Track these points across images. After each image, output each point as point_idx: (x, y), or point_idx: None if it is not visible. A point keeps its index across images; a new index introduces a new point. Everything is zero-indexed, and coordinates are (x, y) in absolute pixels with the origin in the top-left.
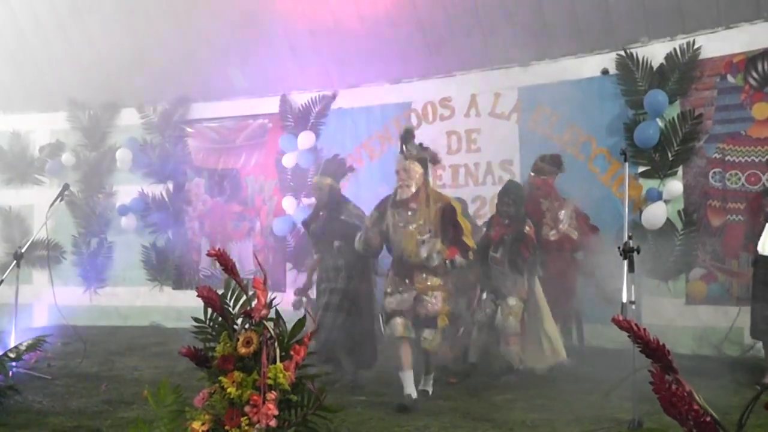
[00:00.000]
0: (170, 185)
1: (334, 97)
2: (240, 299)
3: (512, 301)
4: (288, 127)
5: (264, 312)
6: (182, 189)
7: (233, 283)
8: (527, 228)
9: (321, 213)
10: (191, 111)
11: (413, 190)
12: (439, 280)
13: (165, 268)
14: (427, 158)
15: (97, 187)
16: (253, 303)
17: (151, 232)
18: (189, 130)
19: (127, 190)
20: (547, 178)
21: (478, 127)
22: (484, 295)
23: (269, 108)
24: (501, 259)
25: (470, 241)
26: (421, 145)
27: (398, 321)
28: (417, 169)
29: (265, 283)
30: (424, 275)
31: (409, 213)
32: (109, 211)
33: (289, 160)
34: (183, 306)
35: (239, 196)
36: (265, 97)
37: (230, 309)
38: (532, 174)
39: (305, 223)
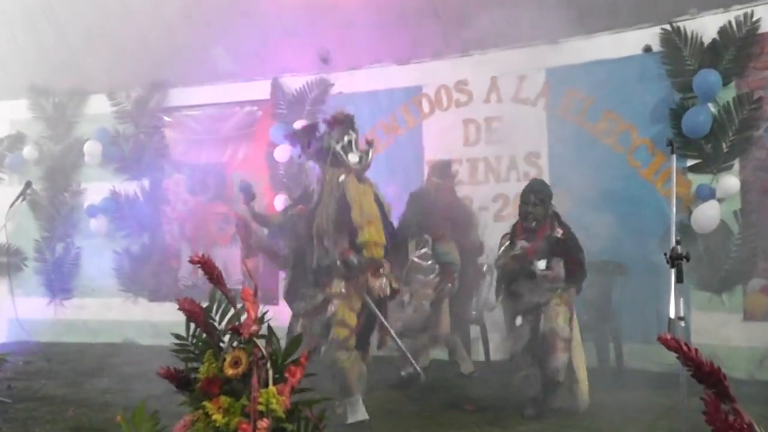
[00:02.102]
0: (146, 182)
1: (332, 81)
2: (227, 313)
3: (557, 304)
4: (280, 115)
5: (254, 328)
6: (159, 186)
7: (219, 294)
8: (560, 231)
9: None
10: (169, 97)
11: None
12: (341, 287)
13: (140, 277)
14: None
15: (62, 185)
16: (242, 317)
17: (124, 236)
18: (167, 119)
19: (96, 187)
20: None
21: (499, 114)
22: (518, 321)
23: (259, 94)
24: (556, 275)
25: (367, 235)
26: None
27: (316, 320)
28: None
29: (255, 294)
30: (335, 281)
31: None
32: (76, 211)
33: (281, 154)
34: (161, 320)
35: (224, 194)
36: (253, 81)
37: (216, 324)
38: None
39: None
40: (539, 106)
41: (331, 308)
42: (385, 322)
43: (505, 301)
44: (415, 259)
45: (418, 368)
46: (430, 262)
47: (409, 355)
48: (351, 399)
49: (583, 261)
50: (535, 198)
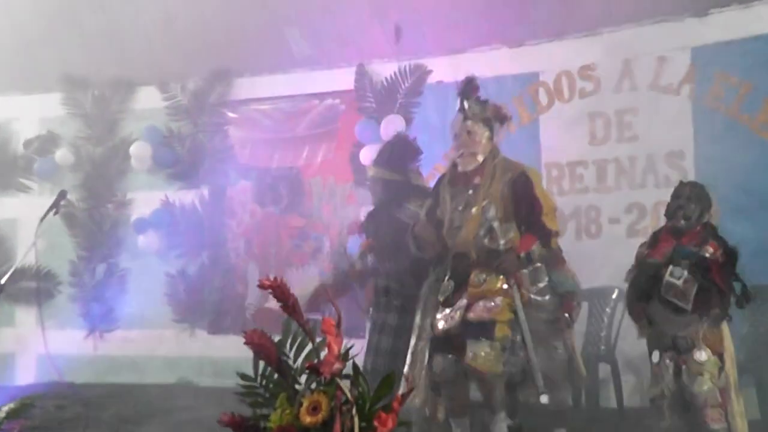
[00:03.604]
0: (205, 191)
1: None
2: (304, 348)
3: (701, 354)
4: (367, 109)
5: (337, 366)
6: (222, 196)
7: (294, 325)
8: (710, 249)
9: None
10: (234, 89)
11: (479, 159)
12: (502, 282)
13: (198, 305)
14: (492, 117)
15: (104, 195)
16: (322, 354)
17: (178, 256)
18: (231, 115)
19: (145, 197)
20: None
21: (633, 105)
22: (656, 357)
23: (341, 83)
24: (686, 289)
25: (553, 222)
26: (485, 101)
27: (447, 360)
28: (483, 132)
29: (338, 325)
30: (483, 276)
31: (470, 191)
32: (121, 226)
33: (368, 155)
34: (223, 357)
35: (301, 204)
36: (335, 68)
37: (290, 362)
38: None
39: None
40: (683, 95)
41: (489, 304)
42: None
43: (644, 328)
44: (533, 297)
45: None
46: (548, 297)
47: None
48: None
49: (728, 295)
50: (691, 192)
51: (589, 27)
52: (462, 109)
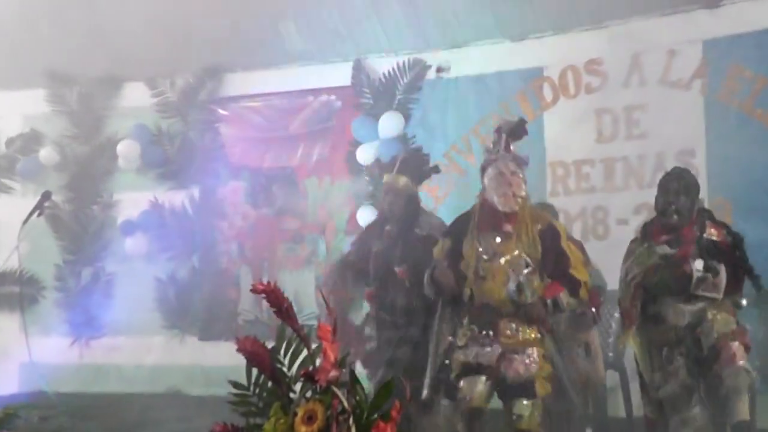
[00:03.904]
0: (196, 192)
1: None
2: (299, 355)
3: (716, 313)
4: (364, 106)
5: (333, 374)
6: (213, 197)
7: (289, 331)
8: (714, 233)
9: (387, 227)
10: (225, 85)
11: (511, 207)
12: (535, 332)
13: (189, 311)
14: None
15: (90, 196)
16: (318, 361)
17: (168, 259)
18: (222, 112)
19: (133, 198)
20: None
21: (643, 101)
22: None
23: (337, 79)
24: (718, 281)
25: (582, 273)
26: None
27: (479, 380)
28: (522, 177)
29: (334, 332)
30: (514, 326)
31: (498, 240)
32: (107, 228)
33: (365, 154)
34: (214, 364)
35: (295, 206)
36: (331, 63)
37: (284, 369)
38: None
39: (360, 242)
40: (694, 90)
41: (525, 359)
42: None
43: (641, 329)
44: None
45: None
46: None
47: None
48: None
49: (752, 269)
50: (678, 185)
51: (596, 19)
52: (506, 148)
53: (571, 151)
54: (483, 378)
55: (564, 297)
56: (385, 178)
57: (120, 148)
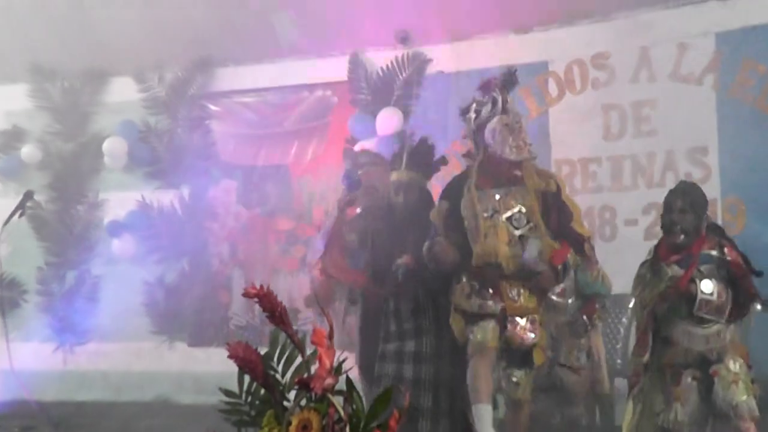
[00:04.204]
0: (185, 191)
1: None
2: (293, 362)
3: (735, 364)
4: (361, 102)
5: (329, 381)
6: (204, 196)
7: (282, 337)
8: (724, 250)
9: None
10: (216, 79)
11: (525, 155)
12: (534, 300)
13: (178, 315)
14: None
15: (75, 196)
16: (313, 368)
17: (157, 262)
18: (213, 108)
19: (120, 198)
20: None
21: (652, 97)
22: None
23: (334, 73)
24: (722, 304)
25: (583, 228)
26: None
27: (490, 324)
28: (523, 129)
29: (330, 337)
30: (515, 291)
31: (497, 197)
32: (93, 230)
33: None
34: (205, 371)
35: (289, 206)
36: (327, 57)
37: (278, 376)
38: None
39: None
40: (706, 85)
41: (528, 326)
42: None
43: (656, 353)
44: (554, 298)
45: None
46: (571, 300)
47: None
48: None
49: (757, 294)
50: (683, 203)
51: (603, 11)
52: (504, 101)
53: (577, 149)
54: (493, 322)
55: (571, 257)
56: (393, 175)
57: (106, 145)
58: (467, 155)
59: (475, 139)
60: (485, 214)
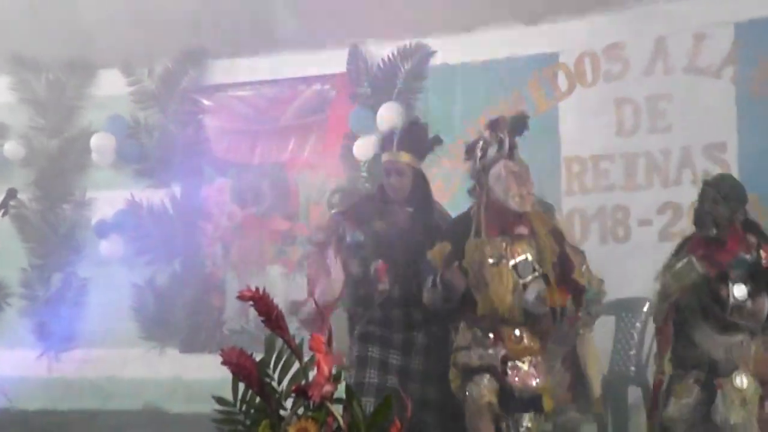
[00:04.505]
0: (177, 190)
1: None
2: (290, 368)
3: (742, 380)
4: (361, 95)
5: (328, 389)
6: (196, 195)
7: (279, 342)
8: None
9: (399, 207)
10: (209, 72)
11: (528, 207)
12: (537, 342)
13: (169, 320)
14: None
15: (61, 194)
16: (311, 375)
17: (146, 264)
18: (206, 102)
19: (108, 197)
20: None
21: (667, 91)
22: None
23: (332, 66)
24: (757, 311)
25: (582, 279)
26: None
27: (484, 380)
28: (530, 177)
29: (329, 342)
30: (518, 333)
31: (504, 244)
32: (80, 230)
33: (363, 148)
34: (197, 379)
35: (286, 205)
36: (325, 49)
37: (274, 384)
38: None
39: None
40: (724, 78)
41: (532, 371)
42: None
43: (674, 349)
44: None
45: None
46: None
47: None
48: None
49: None
50: (716, 194)
51: (617, 0)
52: (511, 146)
53: (588, 146)
54: (488, 376)
55: (570, 305)
56: (385, 156)
57: (93, 141)
58: (472, 191)
59: (479, 180)
60: (491, 261)
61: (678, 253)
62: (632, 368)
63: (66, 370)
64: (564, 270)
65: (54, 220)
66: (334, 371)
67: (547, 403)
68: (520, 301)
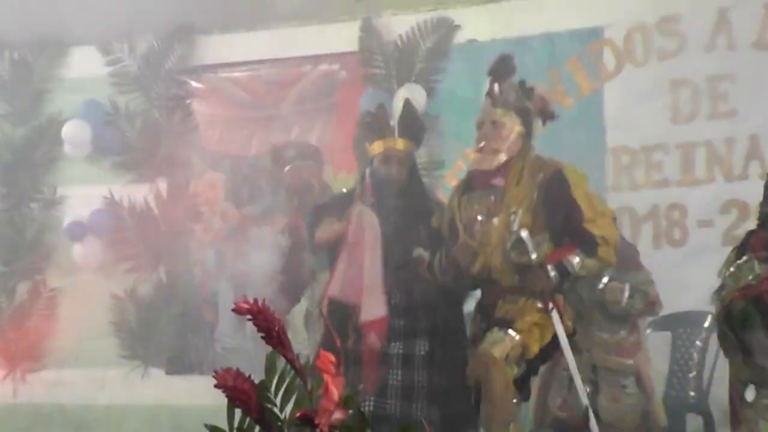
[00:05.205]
0: (162, 185)
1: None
2: (293, 392)
3: None
4: (376, 78)
5: (338, 416)
6: (184, 192)
7: (281, 362)
8: None
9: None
10: (199, 50)
11: (502, 158)
12: (536, 304)
13: (153, 336)
14: (533, 110)
15: (28, 191)
16: (319, 399)
17: (127, 271)
18: (196, 85)
19: (83, 194)
20: None
21: (731, 70)
22: (750, 394)
23: (342, 43)
24: None
25: (603, 228)
26: (530, 88)
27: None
28: (513, 125)
29: (339, 363)
30: (518, 302)
31: (492, 197)
32: (50, 232)
33: None
34: (186, 404)
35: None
36: (334, 23)
37: (276, 410)
38: None
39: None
40: None
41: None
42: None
43: (731, 359)
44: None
45: None
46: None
47: None
48: None
49: None
50: None
51: None
52: (490, 92)
53: (638, 134)
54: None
55: (575, 259)
56: (378, 146)
57: (65, 130)
58: None
59: None
60: (480, 218)
61: (739, 249)
62: (692, 393)
63: (34, 395)
64: (570, 220)
65: (20, 221)
66: (344, 395)
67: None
68: (510, 259)
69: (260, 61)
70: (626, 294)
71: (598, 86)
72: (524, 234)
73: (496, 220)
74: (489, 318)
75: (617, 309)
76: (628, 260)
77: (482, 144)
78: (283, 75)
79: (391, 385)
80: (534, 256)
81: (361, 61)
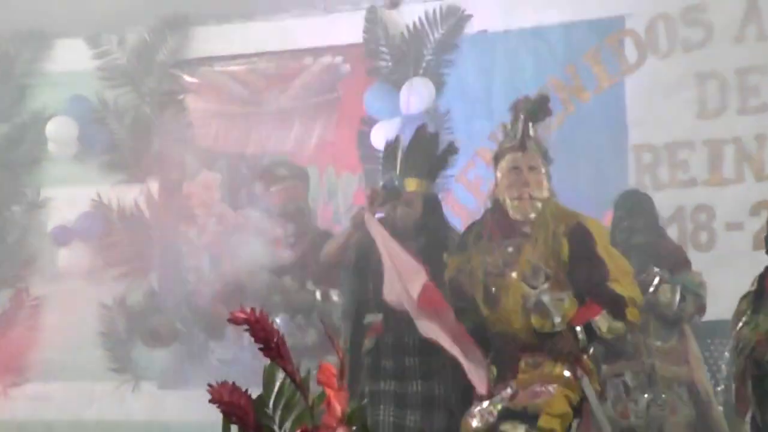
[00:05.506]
0: (153, 186)
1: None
2: (294, 407)
3: None
4: (381, 70)
5: None
6: (178, 193)
7: (280, 375)
8: None
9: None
10: (193, 42)
11: (539, 207)
12: (562, 369)
13: (144, 348)
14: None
15: (10, 193)
16: (320, 414)
17: (116, 278)
18: (189, 79)
19: (69, 196)
20: None
21: (762, 62)
22: None
23: (345, 35)
24: None
25: (628, 288)
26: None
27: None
28: (544, 170)
29: (342, 376)
30: (537, 360)
31: (510, 249)
32: (34, 237)
33: (384, 135)
34: (179, 420)
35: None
36: (336, 12)
37: (275, 427)
38: None
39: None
40: None
41: (537, 390)
42: None
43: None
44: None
45: None
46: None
47: None
48: None
49: None
50: None
51: None
52: (524, 134)
53: (662, 130)
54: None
55: (603, 321)
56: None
57: (50, 127)
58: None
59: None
60: (495, 270)
61: (754, 294)
62: (720, 408)
63: (17, 410)
64: (593, 278)
65: (1, 226)
66: (348, 410)
67: (546, 422)
68: (529, 315)
69: (258, 54)
70: (677, 296)
71: (618, 80)
72: (546, 299)
73: (514, 275)
74: (507, 371)
75: (669, 312)
76: (678, 260)
77: (521, 192)
78: (283, 68)
79: (412, 393)
80: (558, 320)
81: (365, 54)
